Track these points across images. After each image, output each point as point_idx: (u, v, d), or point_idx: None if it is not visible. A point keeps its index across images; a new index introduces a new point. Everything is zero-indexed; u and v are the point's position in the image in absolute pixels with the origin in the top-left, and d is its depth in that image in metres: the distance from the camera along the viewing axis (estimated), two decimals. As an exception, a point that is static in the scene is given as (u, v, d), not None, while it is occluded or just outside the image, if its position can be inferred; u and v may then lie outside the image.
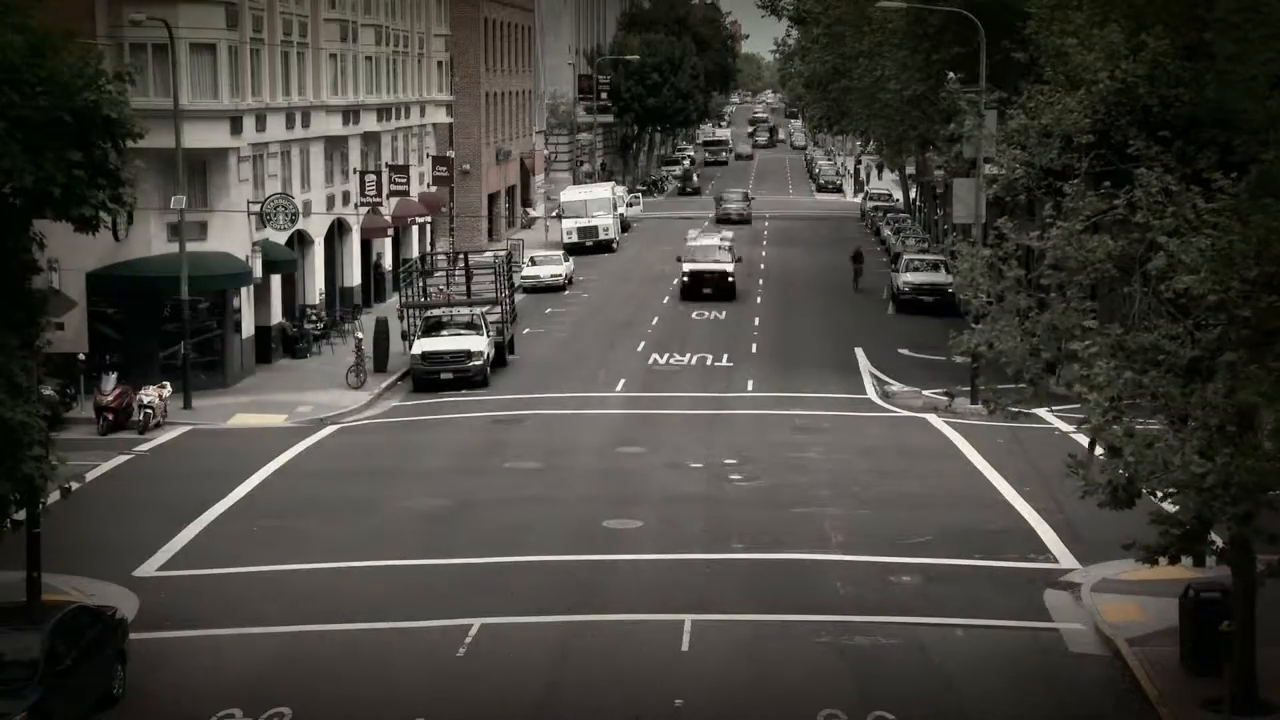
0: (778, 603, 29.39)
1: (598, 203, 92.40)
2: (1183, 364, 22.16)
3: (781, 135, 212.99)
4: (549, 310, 69.22)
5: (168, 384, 46.58)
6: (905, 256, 74.61)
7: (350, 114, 63.55)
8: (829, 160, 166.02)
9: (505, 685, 25.48)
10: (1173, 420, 22.24)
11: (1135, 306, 23.67)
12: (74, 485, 25.88)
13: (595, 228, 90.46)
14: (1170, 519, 22.23)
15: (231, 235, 51.33)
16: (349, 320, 61.28)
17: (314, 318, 58.54)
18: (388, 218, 68.30)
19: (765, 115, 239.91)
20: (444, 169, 77.89)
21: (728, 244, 77.85)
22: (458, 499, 37.30)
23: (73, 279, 45.40)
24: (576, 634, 27.86)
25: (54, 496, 26.10)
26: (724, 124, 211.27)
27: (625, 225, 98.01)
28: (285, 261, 55.40)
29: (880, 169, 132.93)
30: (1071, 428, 32.99)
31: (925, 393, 50.24)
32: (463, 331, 53.58)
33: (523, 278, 74.03)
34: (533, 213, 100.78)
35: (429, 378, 51.79)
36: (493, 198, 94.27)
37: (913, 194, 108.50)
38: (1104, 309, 24.24)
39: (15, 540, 26.26)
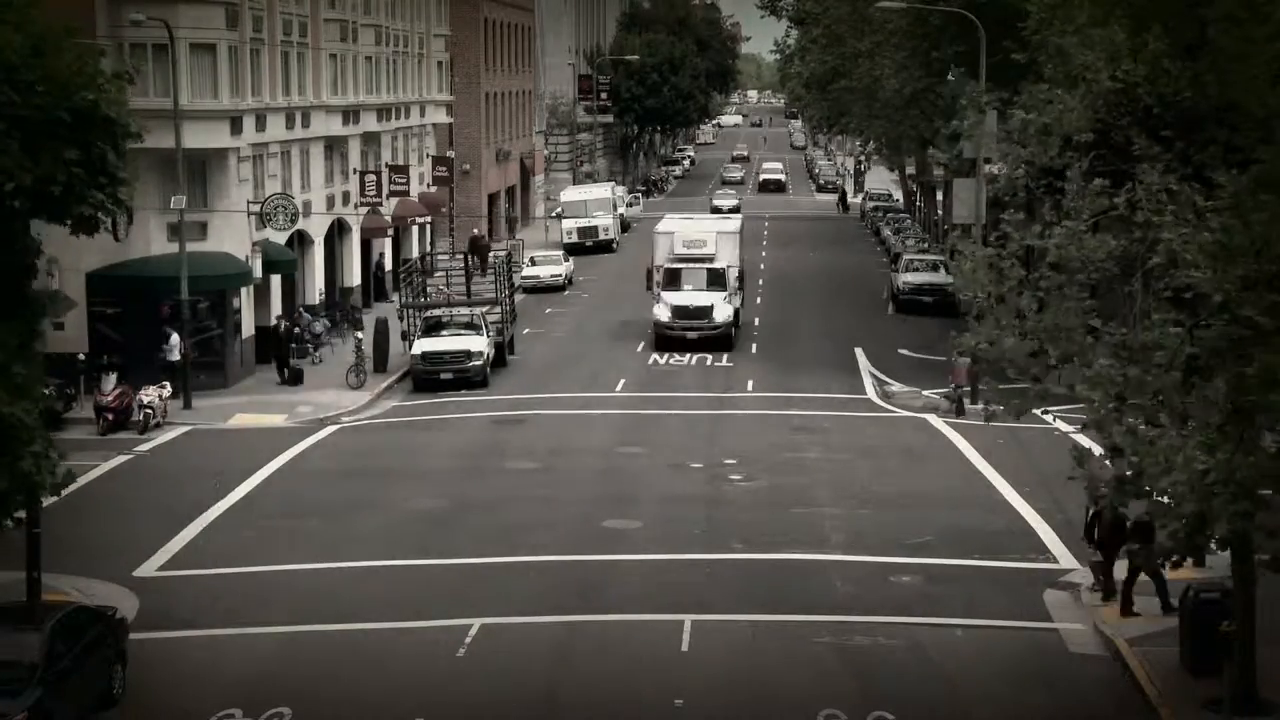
0: (778, 603, 29.37)
1: (598, 203, 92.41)
2: (1182, 362, 22.14)
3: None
4: (549, 310, 69.20)
5: (168, 384, 46.59)
6: (905, 256, 74.61)
7: (350, 114, 63.53)
8: (829, 160, 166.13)
9: (505, 685, 25.47)
10: (1173, 419, 22.23)
11: (1136, 306, 23.66)
12: (68, 487, 25.83)
13: (595, 228, 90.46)
14: (1171, 513, 22.21)
15: (231, 235, 51.31)
16: (349, 319, 61.18)
17: (310, 320, 58.18)
18: (388, 218, 68.29)
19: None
20: (444, 169, 77.87)
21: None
22: (457, 499, 37.29)
23: (73, 279, 45.42)
24: (576, 634, 27.86)
25: (51, 497, 26.09)
26: (716, 126, 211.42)
27: (625, 225, 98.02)
28: (285, 261, 55.38)
29: (863, 163, 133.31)
30: (1072, 428, 32.98)
31: (925, 393, 50.28)
32: (463, 331, 53.57)
33: (523, 278, 74.04)
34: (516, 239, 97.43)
35: (429, 378, 51.78)
36: (493, 198, 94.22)
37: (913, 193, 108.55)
38: (1104, 308, 24.22)
39: (15, 540, 26.26)
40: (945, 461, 41.26)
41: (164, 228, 49.00)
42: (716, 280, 57.87)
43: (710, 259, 58.92)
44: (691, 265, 58.59)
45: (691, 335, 56.05)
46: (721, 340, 56.46)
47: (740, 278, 60.64)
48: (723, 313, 56.53)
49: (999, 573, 31.40)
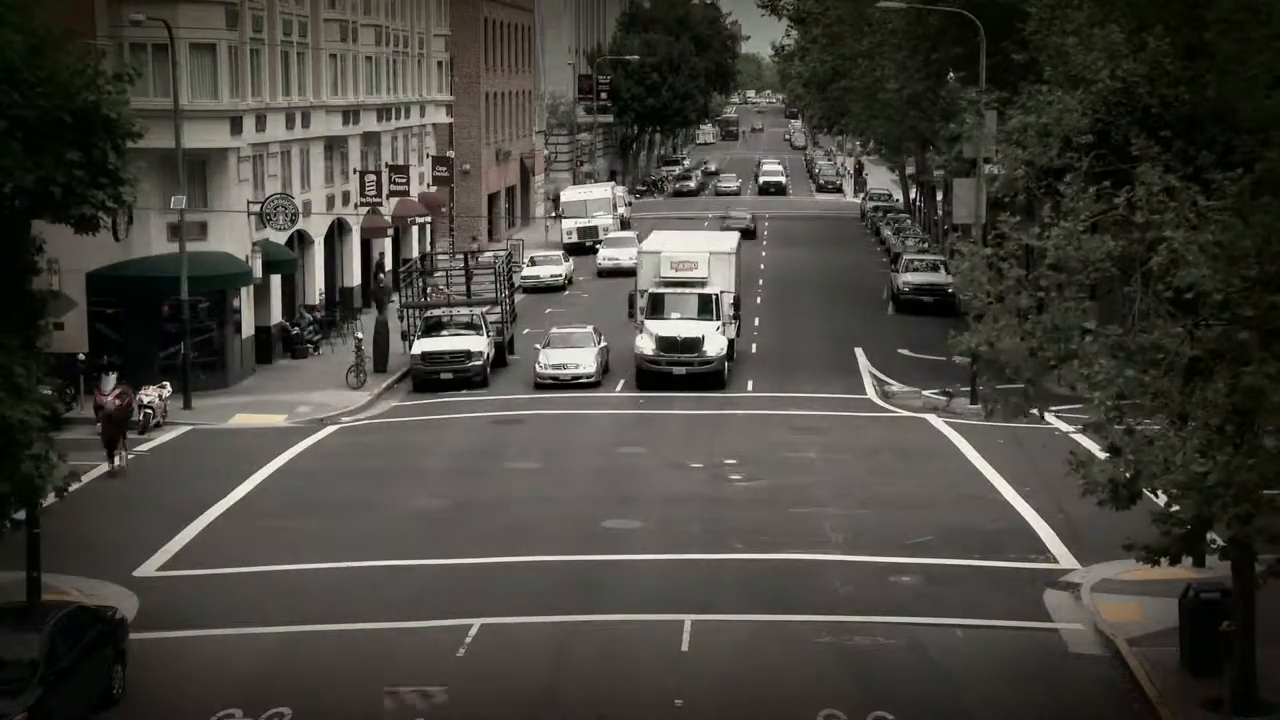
0: (778, 603, 29.37)
1: (598, 203, 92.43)
2: (1183, 363, 22.15)
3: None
4: (549, 310, 69.14)
5: (168, 384, 46.60)
6: (905, 257, 74.66)
7: (350, 114, 63.55)
8: (828, 160, 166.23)
9: (505, 685, 25.47)
10: (1173, 420, 22.24)
11: (1135, 306, 23.66)
12: (72, 485, 25.86)
13: (595, 228, 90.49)
14: (1171, 518, 22.25)
15: (231, 235, 51.34)
16: (349, 320, 61.21)
17: (310, 320, 58.19)
18: (388, 218, 68.32)
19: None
20: (444, 169, 77.90)
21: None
22: (458, 499, 37.28)
23: (73, 279, 45.36)
24: (576, 634, 27.85)
25: (52, 496, 26.11)
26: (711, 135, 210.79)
27: (625, 225, 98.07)
28: (285, 261, 55.41)
29: (862, 170, 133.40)
30: (1072, 428, 33.03)
31: (925, 393, 50.29)
32: (463, 331, 53.57)
33: (523, 278, 74.06)
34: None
35: (429, 378, 51.78)
36: (493, 198, 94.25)
37: (913, 194, 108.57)
38: (1104, 309, 24.26)
39: (15, 540, 26.27)
40: (945, 461, 41.26)
41: (164, 228, 49.02)
42: (708, 308, 51.45)
43: (702, 283, 52.00)
44: (680, 290, 51.78)
45: (679, 371, 49.74)
46: (713, 377, 50.30)
47: (736, 304, 53.64)
48: (715, 345, 50.32)
49: (999, 573, 31.39)
